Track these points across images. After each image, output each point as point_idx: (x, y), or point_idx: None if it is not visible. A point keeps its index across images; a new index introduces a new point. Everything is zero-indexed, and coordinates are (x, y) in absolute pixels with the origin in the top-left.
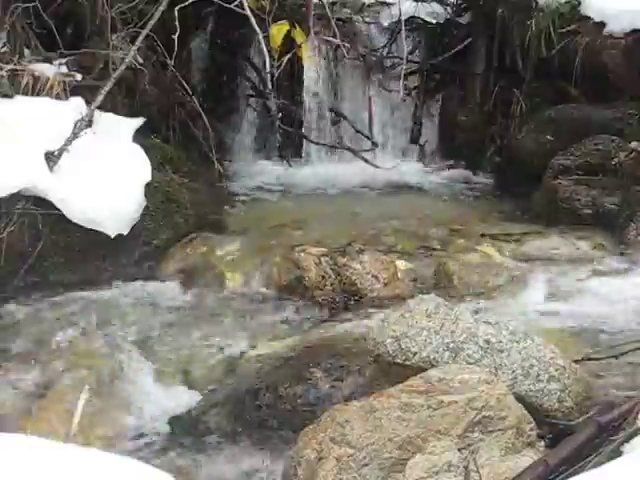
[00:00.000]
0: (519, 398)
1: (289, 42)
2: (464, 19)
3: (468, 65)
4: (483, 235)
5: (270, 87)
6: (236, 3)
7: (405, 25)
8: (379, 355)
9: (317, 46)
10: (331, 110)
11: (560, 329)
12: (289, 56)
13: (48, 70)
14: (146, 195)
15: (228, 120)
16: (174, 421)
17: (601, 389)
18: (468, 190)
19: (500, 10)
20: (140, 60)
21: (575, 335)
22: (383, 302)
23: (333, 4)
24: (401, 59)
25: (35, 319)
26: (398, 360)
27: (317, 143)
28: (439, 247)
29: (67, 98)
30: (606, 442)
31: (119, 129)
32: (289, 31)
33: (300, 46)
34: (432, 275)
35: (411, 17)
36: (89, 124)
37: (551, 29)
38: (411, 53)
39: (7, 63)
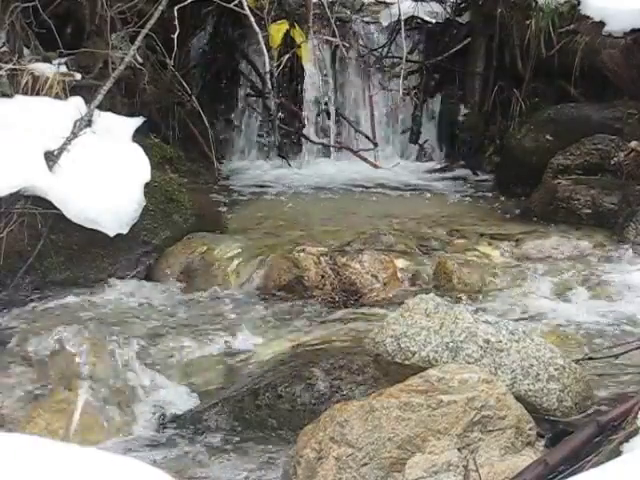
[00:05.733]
0: (519, 398)
1: (289, 42)
2: (463, 19)
3: (468, 65)
4: (482, 235)
5: (270, 87)
6: (235, 2)
7: (405, 25)
8: (378, 355)
9: (317, 46)
10: (329, 109)
11: (560, 329)
12: (289, 56)
13: (47, 70)
14: (146, 195)
15: (228, 120)
16: (174, 421)
17: (601, 389)
18: (468, 190)
19: (499, 10)
20: (139, 60)
21: (575, 335)
22: (382, 302)
23: (333, 4)
24: (400, 59)
25: (34, 318)
26: (397, 360)
27: (317, 143)
28: (438, 247)
29: (66, 98)
30: (605, 442)
31: (119, 129)
32: (289, 30)
33: (300, 46)
34: (431, 275)
35: (411, 17)
36: (89, 124)
37: (550, 29)
38: (411, 53)
39: (7, 63)
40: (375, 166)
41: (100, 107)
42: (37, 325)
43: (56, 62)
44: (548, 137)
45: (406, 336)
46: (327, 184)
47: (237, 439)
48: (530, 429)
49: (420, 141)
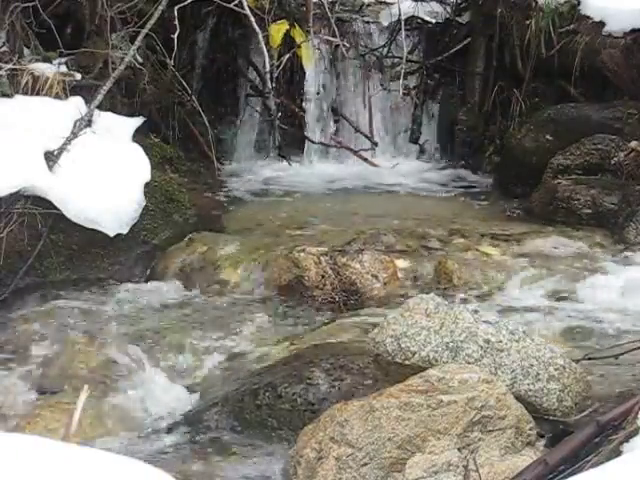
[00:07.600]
0: (519, 397)
1: (289, 42)
2: (464, 19)
3: (468, 65)
4: (483, 235)
5: (270, 86)
6: (235, 2)
7: (405, 25)
8: (379, 355)
9: (317, 46)
10: (331, 109)
11: (560, 329)
12: (289, 56)
13: (47, 70)
14: (146, 195)
15: (228, 120)
16: (174, 421)
17: (601, 389)
18: (468, 190)
19: (499, 10)
20: (139, 60)
21: (575, 335)
22: (383, 302)
23: (333, 4)
24: (401, 59)
25: (34, 318)
26: (397, 360)
27: (317, 143)
28: (439, 247)
29: (66, 97)
30: (605, 442)
31: (119, 128)
32: (289, 30)
33: (300, 46)
34: (432, 275)
35: (411, 17)
36: (89, 123)
37: (550, 29)
38: (411, 53)
39: (7, 63)
40: (375, 166)
41: (100, 107)
42: (37, 325)
43: (56, 62)
44: (548, 137)
45: (406, 336)
46: (327, 184)
47: (237, 439)
48: (530, 429)
49: (420, 141)
